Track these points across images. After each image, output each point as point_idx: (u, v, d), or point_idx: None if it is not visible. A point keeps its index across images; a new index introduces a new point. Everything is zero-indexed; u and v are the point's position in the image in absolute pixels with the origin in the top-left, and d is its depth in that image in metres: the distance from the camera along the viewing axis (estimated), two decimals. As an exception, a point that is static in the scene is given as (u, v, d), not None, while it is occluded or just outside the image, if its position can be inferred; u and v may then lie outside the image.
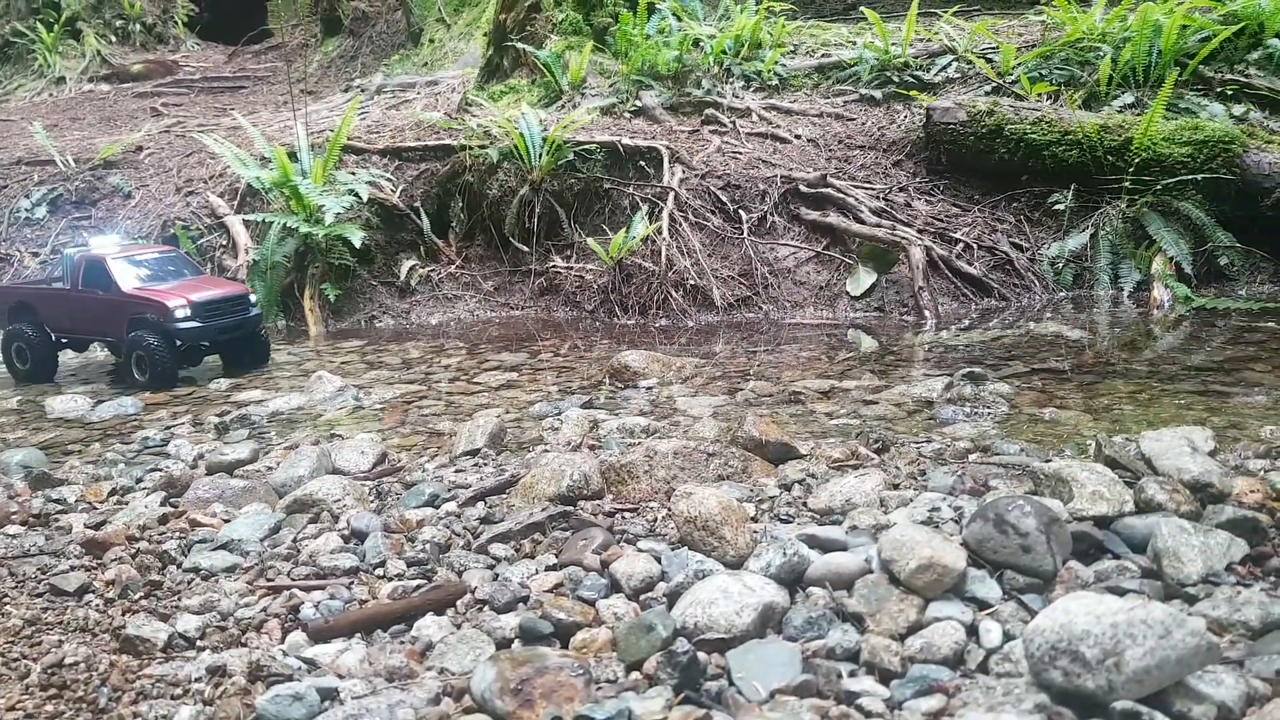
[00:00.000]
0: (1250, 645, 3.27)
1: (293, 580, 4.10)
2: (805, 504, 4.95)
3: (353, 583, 4.15)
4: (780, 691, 3.06)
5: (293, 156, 13.59)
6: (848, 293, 11.40)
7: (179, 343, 8.91)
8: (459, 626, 3.68)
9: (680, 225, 12.31)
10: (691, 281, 11.75)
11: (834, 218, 12.00)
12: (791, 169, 12.89)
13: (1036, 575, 3.72)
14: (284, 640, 3.51)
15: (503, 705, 2.87)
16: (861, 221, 11.77)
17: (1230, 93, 12.78)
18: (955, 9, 16.37)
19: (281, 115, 19.99)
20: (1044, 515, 3.82)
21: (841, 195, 12.19)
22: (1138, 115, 11.75)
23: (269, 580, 4.10)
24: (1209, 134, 10.96)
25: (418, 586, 4.04)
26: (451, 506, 5.08)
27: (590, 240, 12.02)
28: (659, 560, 4.11)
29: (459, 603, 3.91)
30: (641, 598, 3.89)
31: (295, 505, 5.11)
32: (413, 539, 4.66)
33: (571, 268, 12.52)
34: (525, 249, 12.70)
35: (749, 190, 12.74)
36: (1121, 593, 3.62)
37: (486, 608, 3.84)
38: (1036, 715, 2.78)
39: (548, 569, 4.20)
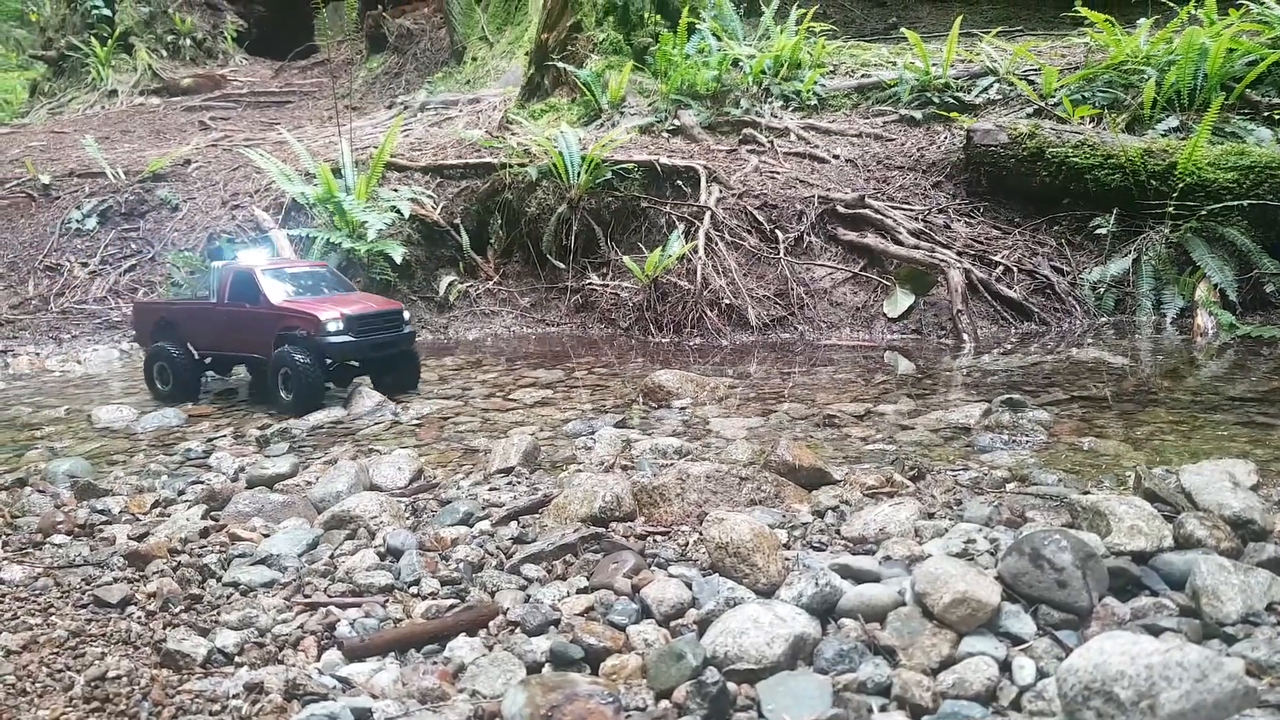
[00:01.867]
0: (1291, 690, 3.20)
1: (329, 597, 4.17)
2: (839, 532, 4.92)
3: (388, 601, 4.21)
4: (809, 725, 3.05)
5: (337, 173, 13.87)
6: (885, 314, 11.35)
7: (328, 360, 8.43)
8: (490, 648, 3.72)
9: (716, 244, 12.35)
10: (727, 301, 11.77)
11: (871, 239, 11.96)
12: (829, 189, 12.89)
13: (1072, 611, 3.68)
14: (320, 658, 3.57)
15: (533, 731, 2.91)
16: (899, 243, 11.72)
17: (1278, 118, 12.57)
18: (998, 30, 16.29)
19: (326, 130, 20.41)
20: (1080, 550, 3.78)
21: (879, 216, 12.15)
22: (1182, 139, 11.60)
23: (306, 596, 4.17)
24: (1255, 159, 10.78)
25: (451, 606, 4.09)
26: (485, 525, 5.13)
27: (626, 258, 12.10)
28: (690, 586, 4.11)
29: (491, 624, 3.95)
30: (672, 624, 3.90)
31: (333, 521, 5.19)
32: (447, 557, 4.70)
33: (607, 285, 12.61)
34: (562, 266, 12.81)
35: (786, 210, 12.75)
36: (1158, 631, 3.57)
37: (518, 630, 3.87)
38: (1069, 757, 2.75)
39: (579, 592, 4.22)
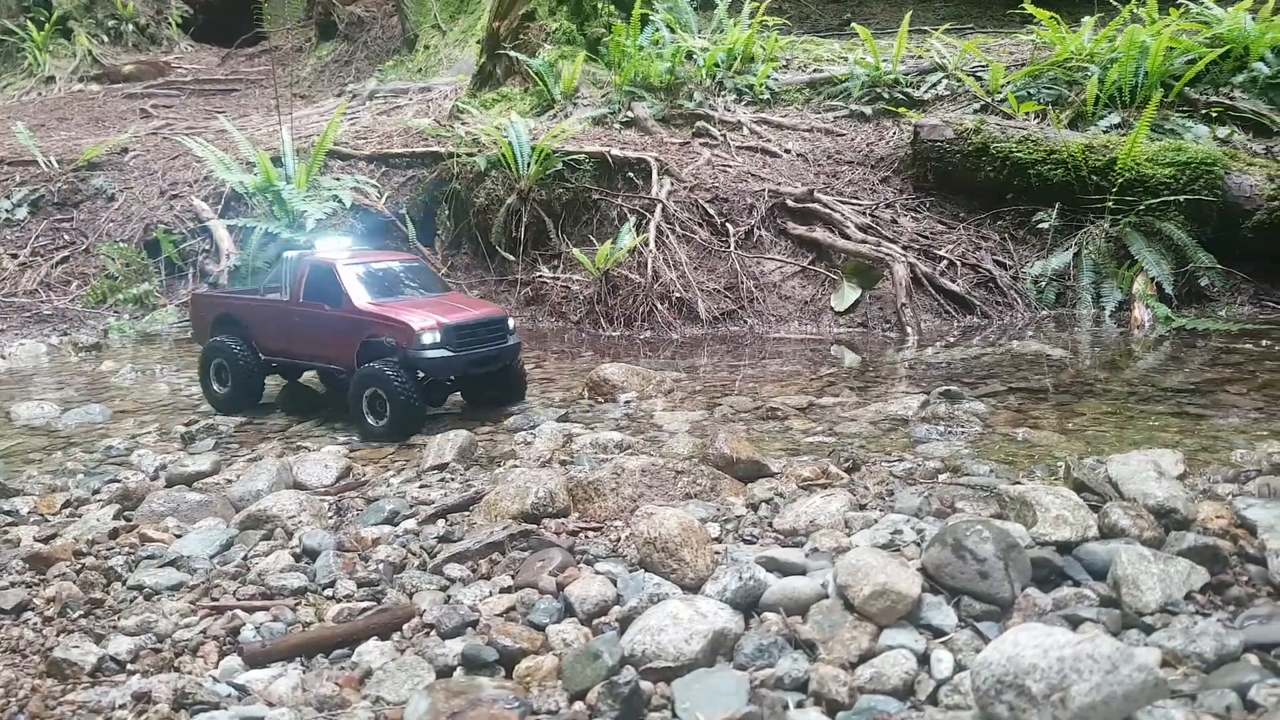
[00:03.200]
0: (1203, 678, 3.20)
1: (237, 600, 4.02)
2: (771, 524, 4.87)
3: (299, 604, 4.06)
4: (723, 723, 2.98)
5: (278, 161, 13.55)
6: (832, 308, 11.35)
7: (421, 375, 7.19)
8: (403, 652, 3.60)
9: (667, 237, 12.26)
10: (677, 294, 11.70)
11: (820, 233, 11.96)
12: (780, 183, 12.86)
13: (994, 602, 3.66)
14: (219, 665, 3.42)
15: (433, 737, 2.80)
16: (847, 237, 11.73)
17: (1215, 115, 12.79)
18: (947, 26, 16.39)
19: (272, 119, 19.94)
20: (1002, 541, 3.76)
21: (828, 211, 12.15)
22: (1123, 136, 11.75)
23: (213, 600, 4.01)
24: (1192, 155, 10.96)
25: (365, 609, 3.96)
26: (411, 524, 5.00)
27: (576, 251, 11.97)
28: (615, 583, 4.03)
29: (406, 626, 3.83)
30: (595, 622, 3.81)
31: (249, 521, 5.02)
32: (367, 558, 4.57)
33: (558, 278, 12.46)
34: (512, 258, 12.64)
35: (737, 204, 12.70)
36: (1078, 622, 3.56)
37: (434, 632, 3.76)
38: (979, 753, 2.71)
39: (502, 591, 4.12)
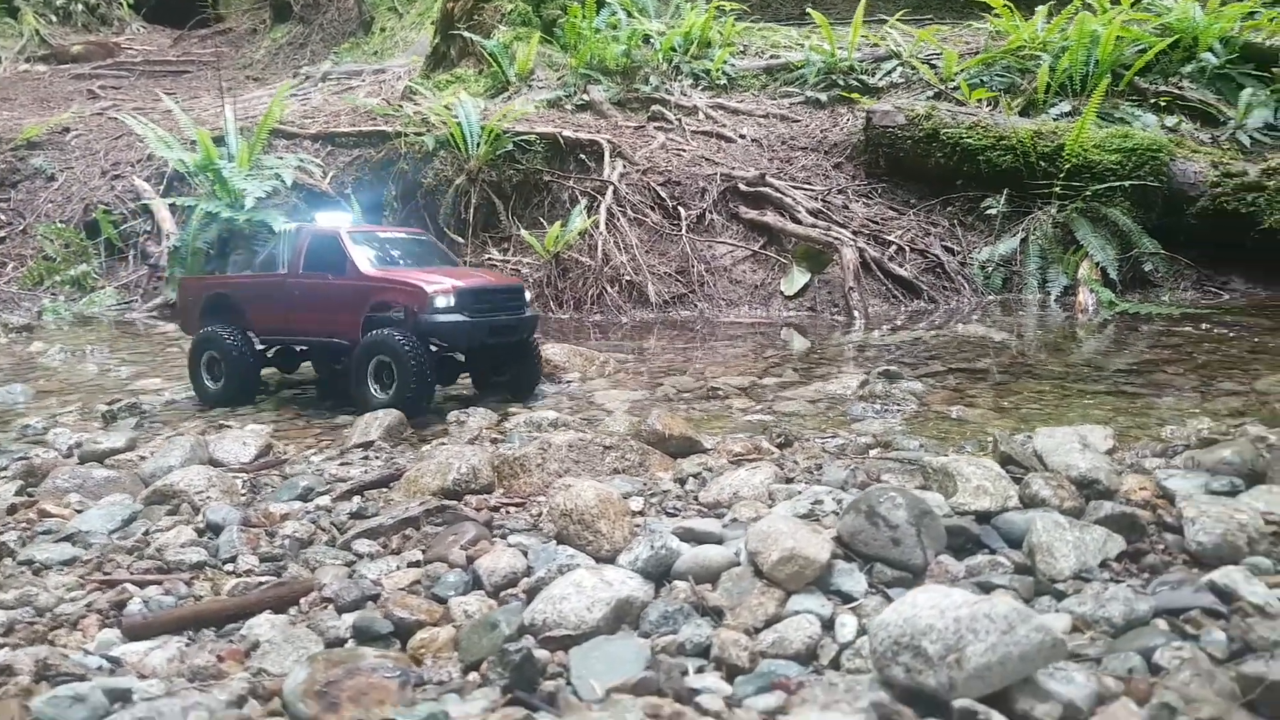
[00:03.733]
0: (1110, 642, 3.16)
1: (131, 574, 3.84)
2: (696, 498, 4.78)
3: (195, 578, 3.90)
4: (617, 690, 2.88)
5: (221, 141, 13.24)
6: (782, 292, 11.31)
7: (434, 345, 6.61)
8: (295, 625, 3.46)
9: (618, 220, 12.15)
10: (628, 277, 11.60)
11: (771, 217, 11.92)
12: (733, 168, 12.80)
13: (906, 569, 3.59)
14: (97, 638, 3.26)
15: (306, 709, 2.66)
16: (798, 221, 11.69)
17: (1164, 104, 12.94)
18: (901, 13, 16.40)
19: (222, 100, 19.52)
20: (916, 508, 3.69)
21: (779, 195, 12.11)
22: (1072, 123, 11.82)
23: (105, 574, 3.84)
24: (1138, 142, 11.05)
25: (261, 583, 3.81)
26: (325, 501, 4.84)
27: (525, 233, 11.82)
28: (526, 555, 3.91)
29: (303, 600, 3.68)
30: (502, 594, 3.69)
31: (155, 496, 4.84)
32: (273, 534, 4.41)
33: (508, 260, 12.30)
34: (460, 240, 12.45)
35: (689, 187, 12.63)
36: (990, 588, 3.50)
37: (331, 606, 3.62)
38: (871, 714, 2.63)
39: (410, 565, 3.98)
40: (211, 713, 2.65)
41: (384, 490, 5.03)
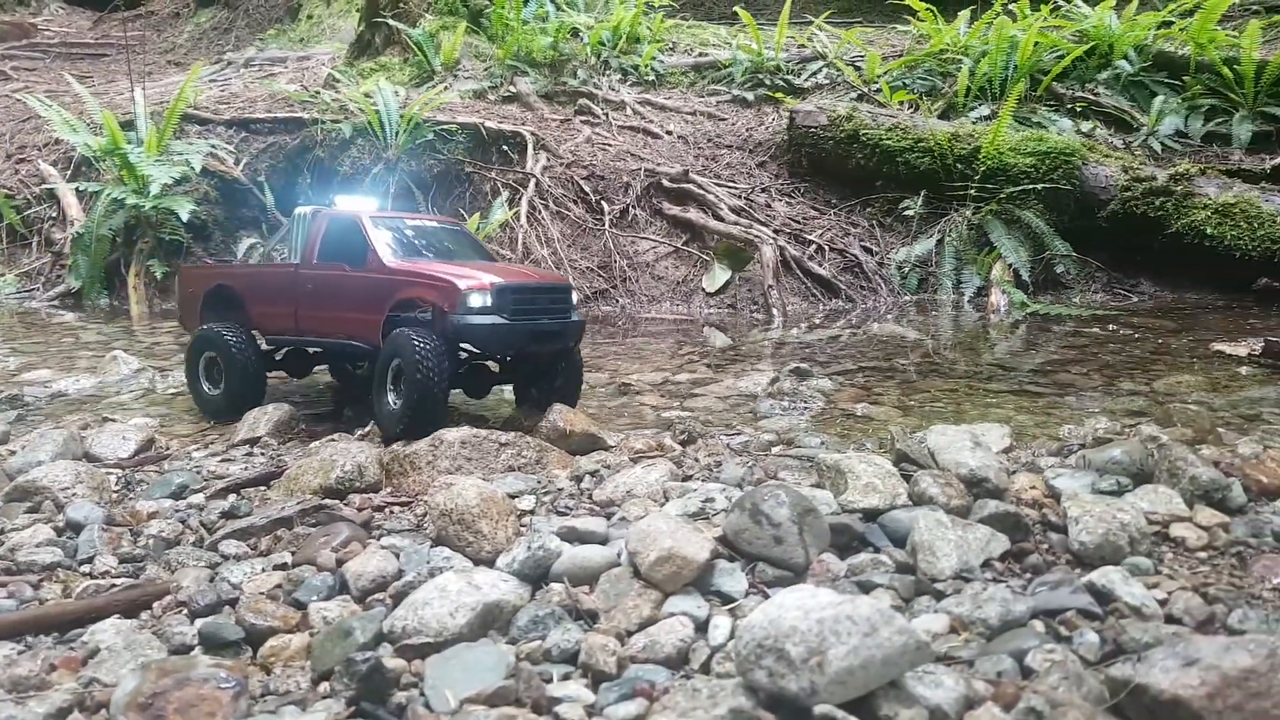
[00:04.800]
0: (983, 644, 3.12)
1: (-31, 576, 3.57)
2: (591, 496, 4.65)
3: (44, 580, 3.65)
4: (472, 700, 2.74)
5: (131, 125, 12.69)
6: (703, 289, 11.27)
7: (465, 350, 5.77)
8: (142, 631, 3.24)
9: (540, 213, 11.97)
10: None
11: (694, 214, 11.86)
12: (658, 164, 12.72)
13: (788, 568, 3.52)
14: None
15: (127, 721, 2.47)
16: (720, 219, 11.66)
17: (1080, 109, 13.24)
18: (828, 13, 16.51)
19: (144, 85, 18.76)
20: (799, 506, 3.63)
21: (703, 192, 12.06)
22: (991, 126, 12.00)
23: (-62, 576, 3.56)
24: (1052, 146, 11.27)
25: (114, 585, 3.57)
26: (198, 499, 4.60)
27: (441, 225, 11.55)
28: (398, 557, 3.74)
29: (156, 605, 3.47)
30: (369, 599, 3.51)
31: (15, 493, 4.54)
32: (138, 533, 4.16)
33: (425, 254, 12.02)
34: (376, 232, 12.12)
35: (613, 182, 12.50)
36: (870, 588, 3.45)
37: (185, 610, 3.40)
38: (729, 722, 2.54)
39: (276, 568, 3.78)
40: (20, 730, 2.43)
41: (263, 489, 4.81)
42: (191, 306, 6.85)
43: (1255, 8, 15.20)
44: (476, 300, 5.41)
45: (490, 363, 6.25)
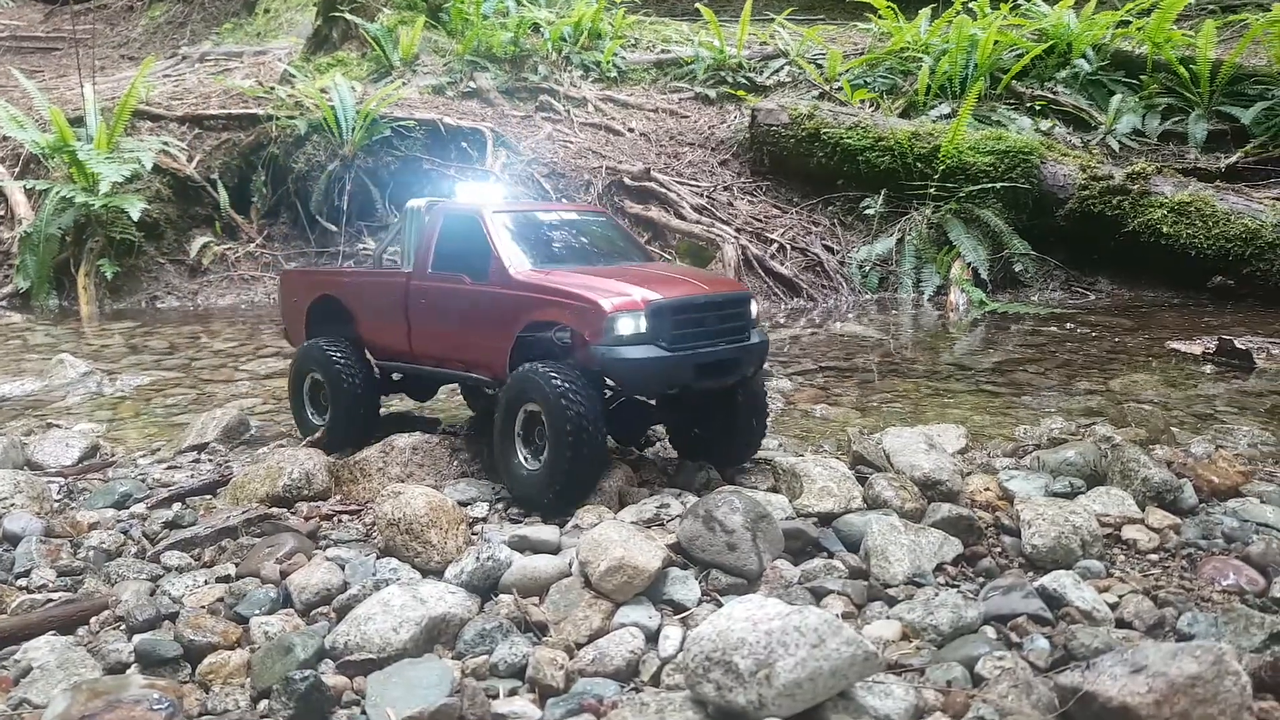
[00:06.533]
0: (935, 652, 3.11)
1: (-108, 595, 3.43)
2: (546, 503, 4.59)
3: (-25, 596, 3.51)
4: (414, 719, 2.67)
5: (80, 121, 12.36)
6: (666, 287, 11.20)
7: (610, 389, 4.63)
8: (77, 648, 3.13)
9: (501, 212, 11.83)
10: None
11: (655, 212, 11.81)
12: (620, 161, 12.64)
13: (741, 575, 3.49)
14: None
15: (51, 747, 2.38)
16: (682, 217, 11.62)
17: (1039, 108, 13.36)
18: (790, 12, 16.52)
19: (94, 80, 18.31)
20: (753, 512, 3.60)
21: (664, 190, 12.01)
22: (951, 125, 12.07)
23: None
24: (1011, 144, 11.36)
25: (49, 601, 3.45)
26: (141, 508, 4.47)
27: (399, 223, 11.38)
28: (343, 569, 3.65)
29: (94, 620, 3.36)
30: (313, 613, 3.43)
31: (-52, 504, 4.37)
32: (78, 545, 4.03)
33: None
34: (334, 229, 11.91)
35: (574, 180, 12.40)
36: (823, 594, 3.43)
37: (123, 626, 3.30)
38: (675, 740, 2.50)
39: (219, 580, 3.68)
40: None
41: (209, 497, 4.69)
42: (296, 319, 5.78)
43: (1211, 7, 15.45)
44: (626, 326, 4.20)
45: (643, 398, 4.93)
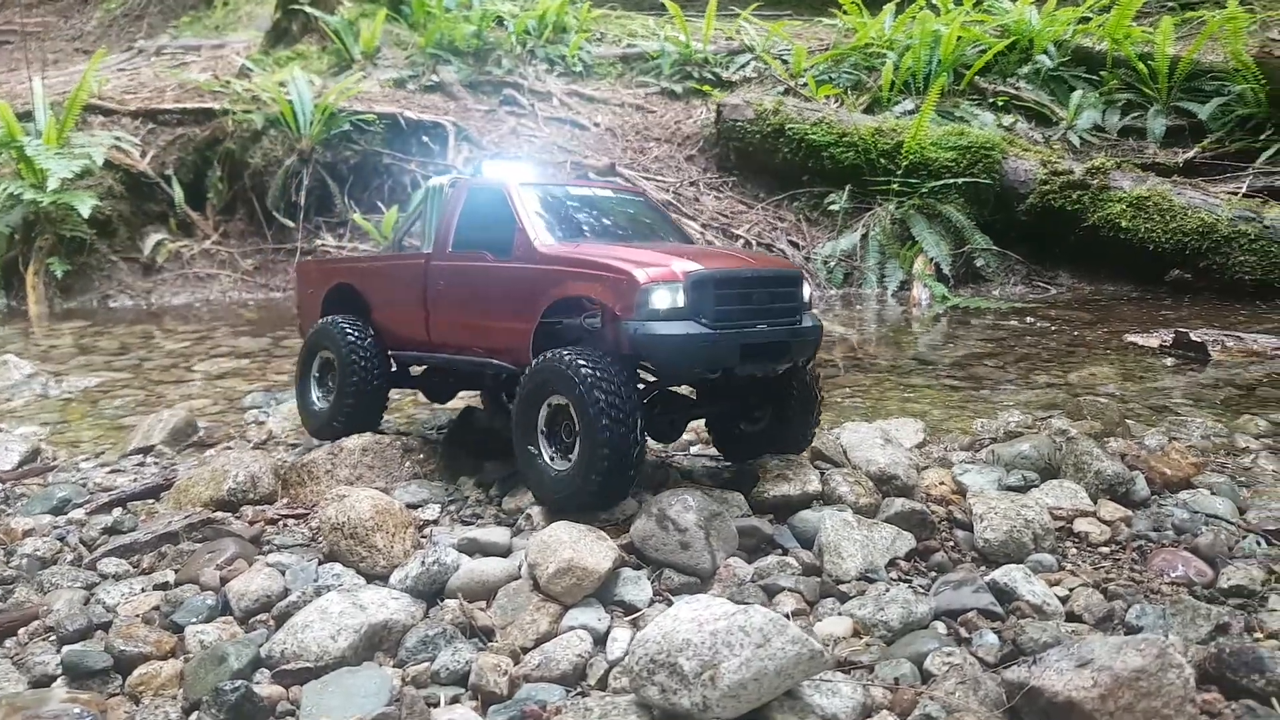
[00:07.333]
0: (884, 648, 3.08)
1: None
2: (500, 504, 4.51)
3: (-102, 608, 3.38)
4: (349, 729, 2.59)
5: (30, 116, 12.06)
6: (631, 283, 11.15)
7: (645, 373, 4.17)
8: (4, 660, 3.01)
9: (464, 208, 11.71)
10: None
11: (621, 207, 11.74)
12: (585, 156, 12.55)
13: (694, 573, 3.44)
14: None
15: (-40, 768, 2.28)
16: (647, 212, 11.55)
17: (1002, 104, 13.45)
18: (755, 6, 16.48)
19: (47, 74, 17.89)
20: (706, 510, 3.55)
21: (630, 185, 11.94)
22: (914, 120, 12.11)
23: None
24: (973, 140, 11.41)
25: (-26, 611, 3.33)
26: (80, 513, 4.33)
27: (356, 216, 11.23)
28: (284, 575, 3.55)
29: (22, 631, 3.24)
30: (252, 620, 3.33)
31: (-127, 513, 4.22)
32: (11, 552, 3.90)
33: (343, 247, 11.67)
34: (291, 224, 11.73)
35: (539, 175, 12.30)
36: (776, 592, 3.39)
37: (53, 636, 3.18)
38: (615, 746, 2.44)
39: (156, 588, 3.57)
40: None
41: (152, 501, 4.56)
42: (311, 310, 5.49)
43: (1170, 5, 15.63)
44: (663, 299, 3.73)
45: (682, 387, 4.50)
